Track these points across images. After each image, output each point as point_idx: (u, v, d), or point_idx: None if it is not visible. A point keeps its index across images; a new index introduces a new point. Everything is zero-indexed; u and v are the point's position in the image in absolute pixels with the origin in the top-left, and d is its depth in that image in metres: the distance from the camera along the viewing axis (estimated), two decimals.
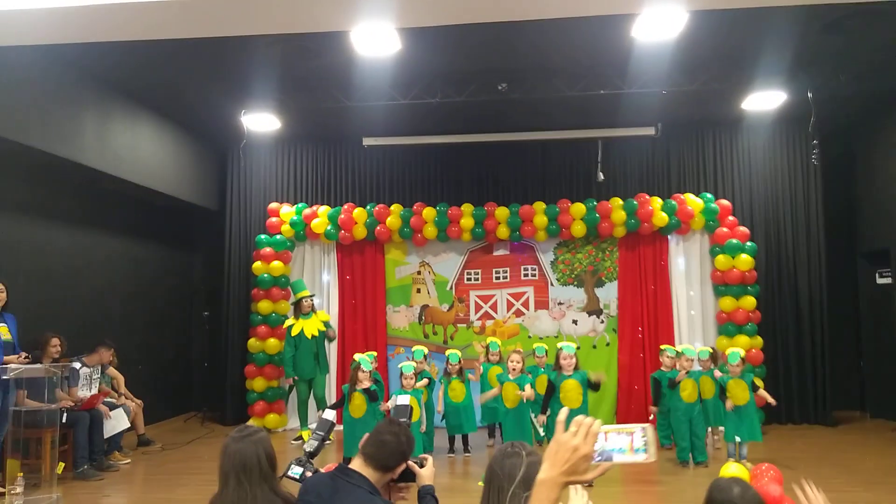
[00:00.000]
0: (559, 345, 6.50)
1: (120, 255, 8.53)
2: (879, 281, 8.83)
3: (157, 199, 8.73)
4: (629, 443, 1.48)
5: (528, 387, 6.26)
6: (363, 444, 2.51)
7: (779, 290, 8.69)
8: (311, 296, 8.35)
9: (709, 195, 8.76)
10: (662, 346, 7.33)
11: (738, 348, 6.82)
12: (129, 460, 7.06)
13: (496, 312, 9.09)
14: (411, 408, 3.00)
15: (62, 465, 6.18)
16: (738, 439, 6.41)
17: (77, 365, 6.81)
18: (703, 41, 6.30)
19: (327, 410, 3.24)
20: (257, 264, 8.95)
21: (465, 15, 4.51)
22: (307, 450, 2.91)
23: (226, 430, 8.74)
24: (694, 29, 5.87)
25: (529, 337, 8.92)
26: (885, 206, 8.44)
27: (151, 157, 8.13)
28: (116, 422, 7.02)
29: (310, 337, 8.11)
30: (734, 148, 8.96)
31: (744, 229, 8.58)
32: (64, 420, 6.16)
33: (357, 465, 2.47)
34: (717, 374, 6.77)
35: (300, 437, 8.11)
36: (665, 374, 6.92)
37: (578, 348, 8.70)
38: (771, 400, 6.64)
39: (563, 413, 1.48)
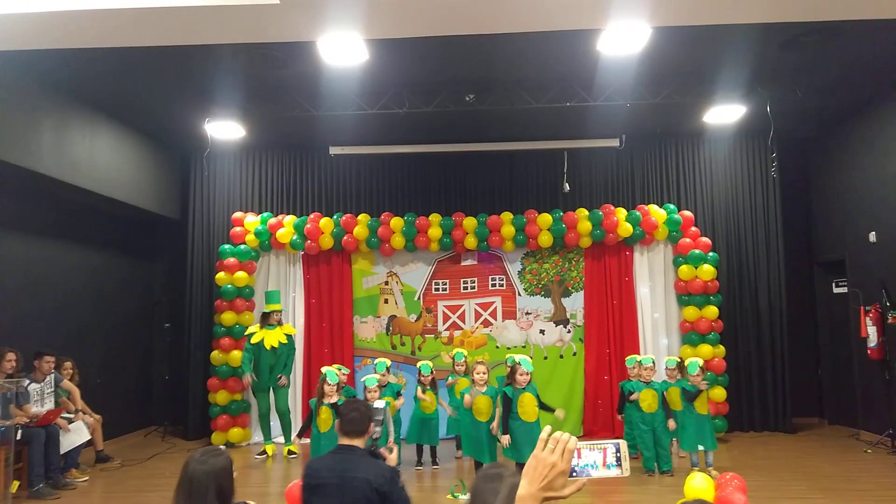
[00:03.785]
0: (517, 358, 5.92)
1: (78, 266, 8.30)
2: (836, 290, 9.08)
3: (116, 208, 8.52)
4: (602, 458, 1.52)
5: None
6: (341, 427, 3.15)
7: (740, 299, 8.86)
8: (281, 311, 8.24)
9: (672, 206, 8.91)
10: (627, 358, 7.41)
11: (697, 358, 6.89)
12: (86, 478, 6.84)
13: (464, 322, 9.09)
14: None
15: (17, 483, 6.00)
16: (701, 448, 6.51)
17: (25, 382, 6.53)
18: (665, 56, 6.44)
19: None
20: (221, 275, 8.78)
21: (431, 28, 4.53)
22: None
23: (188, 445, 8.56)
24: (657, 44, 6.00)
25: (497, 347, 8.95)
26: (840, 217, 8.71)
27: (111, 166, 7.94)
28: (76, 434, 6.80)
29: (269, 348, 7.97)
30: (696, 160, 9.14)
31: (706, 240, 8.73)
32: (18, 437, 5.97)
33: (345, 441, 3.13)
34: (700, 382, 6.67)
35: (264, 452, 7.97)
36: (630, 382, 6.99)
37: (545, 357, 8.86)
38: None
39: (545, 431, 1.49)
